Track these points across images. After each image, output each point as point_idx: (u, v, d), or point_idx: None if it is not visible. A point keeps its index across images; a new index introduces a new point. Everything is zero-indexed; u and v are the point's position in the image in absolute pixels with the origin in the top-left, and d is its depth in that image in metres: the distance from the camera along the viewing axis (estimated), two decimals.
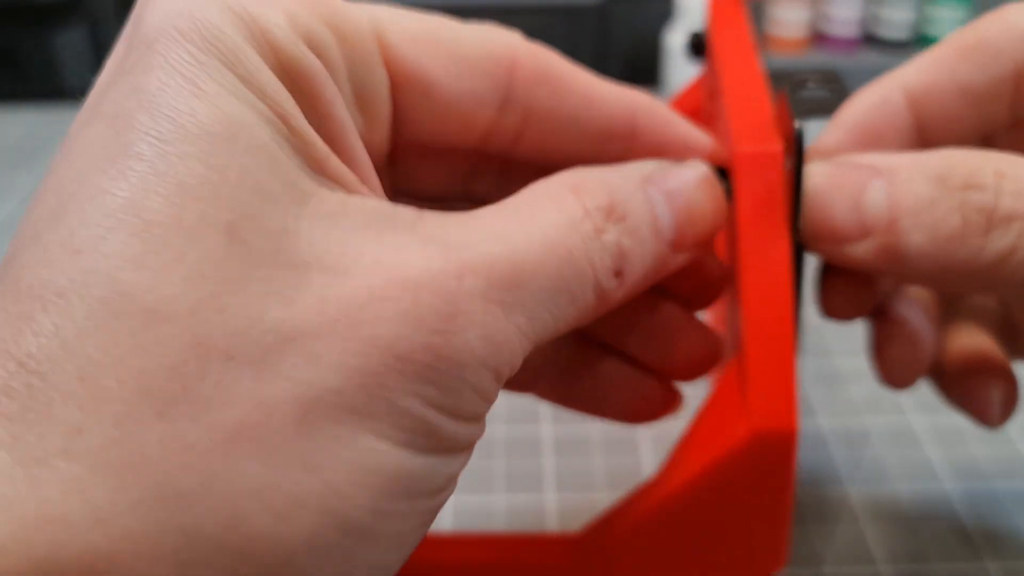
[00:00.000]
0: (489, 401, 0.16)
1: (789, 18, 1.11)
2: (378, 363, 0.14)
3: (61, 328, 0.12)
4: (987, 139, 0.23)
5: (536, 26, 1.11)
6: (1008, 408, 0.23)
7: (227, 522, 0.13)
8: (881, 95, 0.21)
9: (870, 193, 0.19)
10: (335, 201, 0.15)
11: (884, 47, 1.11)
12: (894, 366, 0.23)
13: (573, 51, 0.24)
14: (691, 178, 0.19)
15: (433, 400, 0.14)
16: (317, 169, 0.15)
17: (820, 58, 1.18)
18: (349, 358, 0.13)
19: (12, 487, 0.12)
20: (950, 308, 0.25)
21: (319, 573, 0.13)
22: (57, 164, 0.14)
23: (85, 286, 0.13)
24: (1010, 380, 0.24)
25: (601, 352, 0.22)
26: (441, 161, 0.21)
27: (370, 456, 0.14)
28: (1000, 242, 0.18)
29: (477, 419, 0.15)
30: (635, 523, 0.21)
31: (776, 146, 0.19)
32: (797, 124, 0.19)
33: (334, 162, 0.15)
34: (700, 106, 0.28)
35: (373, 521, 0.14)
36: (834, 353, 0.34)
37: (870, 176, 0.19)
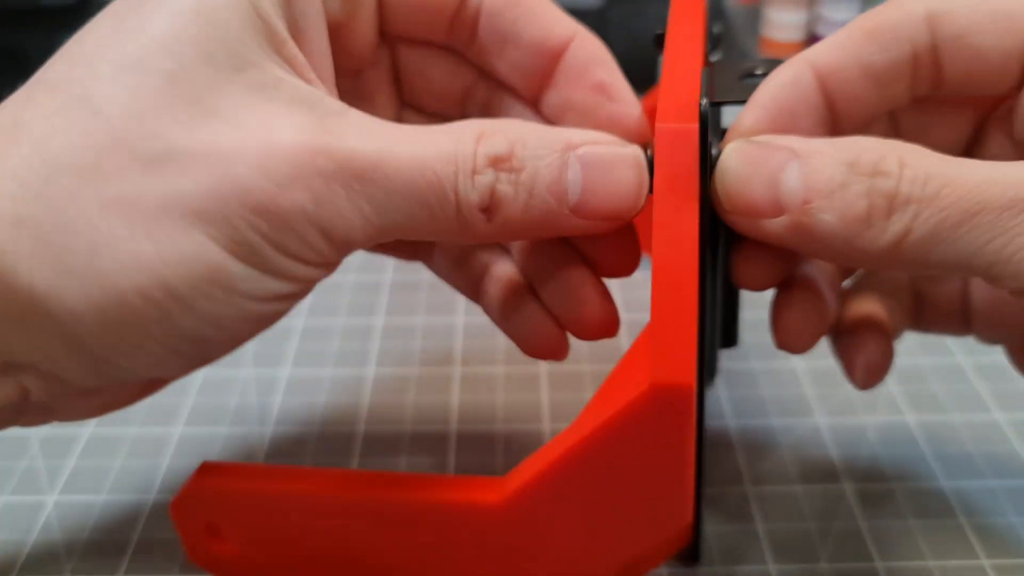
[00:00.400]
0: (317, 252, 0.20)
1: (785, 21, 1.11)
2: (227, 187, 0.18)
3: (43, 107, 0.19)
4: (892, 116, 0.24)
5: None
6: (873, 373, 0.25)
7: (90, 256, 0.18)
8: (793, 75, 0.22)
9: (786, 173, 0.20)
10: (271, 75, 0.20)
11: None
12: (793, 331, 0.24)
13: None
14: (618, 156, 0.21)
15: (259, 229, 0.19)
16: (275, 48, 0.20)
17: None
18: (208, 178, 0.18)
19: None
20: (864, 276, 0.27)
21: (142, 316, 0.18)
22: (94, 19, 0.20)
23: (70, 85, 0.19)
24: (882, 348, 0.25)
25: (529, 292, 0.25)
26: (434, 69, 0.25)
27: (197, 246, 0.18)
28: (897, 225, 0.19)
29: (305, 261, 0.20)
30: (543, 471, 0.22)
31: (692, 124, 0.20)
32: (703, 102, 0.20)
33: (290, 46, 0.20)
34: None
35: (189, 293, 0.18)
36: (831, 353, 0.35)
37: (787, 157, 0.20)
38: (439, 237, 0.21)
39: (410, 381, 0.34)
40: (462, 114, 0.26)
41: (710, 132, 0.21)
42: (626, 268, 0.24)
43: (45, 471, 0.30)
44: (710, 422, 0.31)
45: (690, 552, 0.26)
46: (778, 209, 0.20)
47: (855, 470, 0.29)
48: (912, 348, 0.35)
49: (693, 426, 0.20)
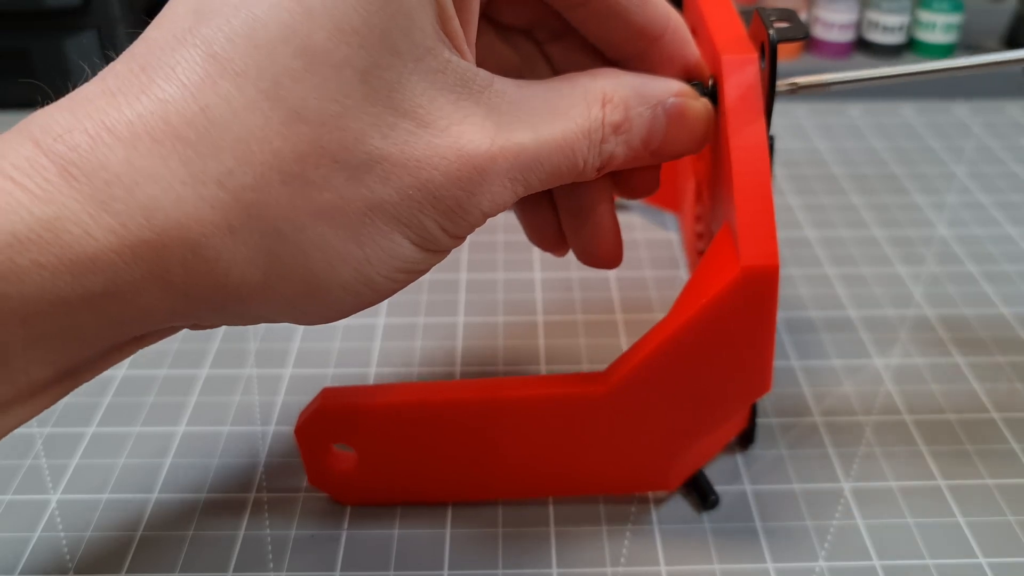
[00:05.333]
0: (475, 228, 0.22)
1: None
2: (423, 195, 0.20)
3: (233, 99, 0.18)
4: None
5: None
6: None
7: (301, 259, 0.19)
8: None
9: None
10: (442, 60, 0.20)
11: (877, 52, 1.11)
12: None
13: None
14: (694, 109, 0.24)
15: (443, 225, 0.21)
16: (442, 26, 0.20)
17: (813, 64, 1.18)
18: (406, 186, 0.20)
19: (180, 191, 0.18)
20: None
21: (343, 304, 0.21)
22: None
23: (258, 75, 0.18)
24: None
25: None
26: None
27: (396, 247, 0.21)
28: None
29: (462, 238, 0.22)
30: (643, 360, 0.25)
31: (753, 53, 0.25)
32: (772, 33, 0.24)
33: (455, 23, 0.21)
34: None
35: (383, 283, 0.21)
36: (831, 355, 0.35)
37: None
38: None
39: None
40: (530, 32, 0.27)
41: (776, 54, 0.25)
42: (651, 190, 0.27)
43: (48, 470, 0.30)
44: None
45: (746, 435, 0.30)
46: None
47: (852, 468, 0.30)
48: (910, 350, 0.35)
49: (776, 303, 0.23)
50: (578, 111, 0.23)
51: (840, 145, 0.52)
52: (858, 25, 0.63)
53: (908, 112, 0.56)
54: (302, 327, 0.36)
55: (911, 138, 0.53)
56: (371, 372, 0.34)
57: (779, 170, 0.49)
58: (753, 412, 0.30)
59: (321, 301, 0.21)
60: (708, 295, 0.23)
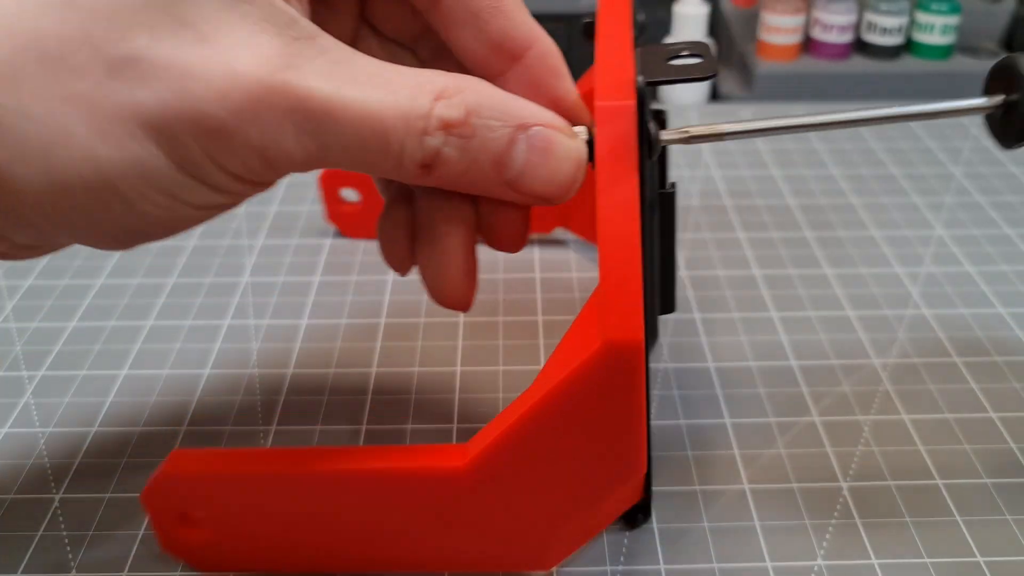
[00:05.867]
0: (256, 174, 0.20)
1: (783, 25, 1.11)
2: (183, 108, 0.19)
3: None
4: None
5: None
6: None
7: (46, 145, 0.18)
8: None
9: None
10: None
11: (875, 53, 1.11)
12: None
13: (569, 57, 0.26)
14: (563, 147, 0.22)
15: (207, 149, 0.19)
16: None
17: (812, 65, 1.18)
18: (166, 94, 0.19)
19: None
20: None
21: (85, 207, 0.19)
22: None
23: None
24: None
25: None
26: (395, 6, 0.25)
27: (147, 155, 0.19)
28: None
29: (239, 179, 0.21)
30: (505, 434, 0.23)
31: (629, 100, 0.22)
32: (640, 80, 0.22)
33: None
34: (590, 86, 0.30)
35: (137, 200, 0.20)
36: (829, 355, 0.35)
37: None
38: (373, 174, 0.23)
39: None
40: (414, 48, 0.26)
41: (647, 107, 0.22)
42: (514, 244, 0.25)
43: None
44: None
45: (641, 505, 0.27)
46: None
47: (851, 470, 0.30)
48: (907, 350, 0.35)
49: (644, 380, 0.21)
50: (405, 93, 0.21)
51: (838, 146, 0.52)
52: (857, 27, 0.63)
53: None
54: (304, 324, 0.37)
55: (908, 139, 0.53)
56: (372, 372, 0.34)
57: (777, 171, 0.49)
58: (647, 483, 0.27)
59: (73, 204, 0.19)
60: (568, 368, 0.21)
